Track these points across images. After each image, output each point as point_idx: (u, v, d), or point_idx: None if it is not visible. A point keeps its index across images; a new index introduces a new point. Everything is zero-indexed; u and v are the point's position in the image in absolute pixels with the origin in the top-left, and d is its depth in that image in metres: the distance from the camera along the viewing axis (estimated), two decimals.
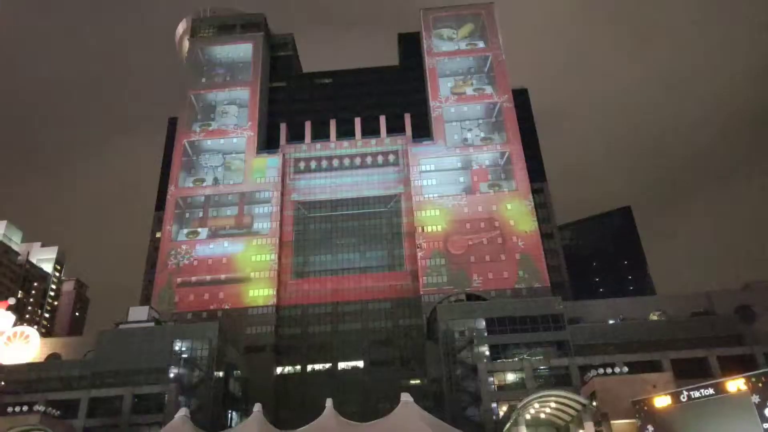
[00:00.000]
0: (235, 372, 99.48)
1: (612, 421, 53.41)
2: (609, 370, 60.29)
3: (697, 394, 45.18)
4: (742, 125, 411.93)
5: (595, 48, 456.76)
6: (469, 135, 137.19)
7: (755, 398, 41.33)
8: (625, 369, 60.53)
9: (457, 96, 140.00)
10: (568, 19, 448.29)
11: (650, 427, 47.52)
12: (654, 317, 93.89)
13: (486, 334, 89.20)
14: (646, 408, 48.61)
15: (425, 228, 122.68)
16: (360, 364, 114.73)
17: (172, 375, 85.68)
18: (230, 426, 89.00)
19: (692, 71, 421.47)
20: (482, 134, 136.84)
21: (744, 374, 43.71)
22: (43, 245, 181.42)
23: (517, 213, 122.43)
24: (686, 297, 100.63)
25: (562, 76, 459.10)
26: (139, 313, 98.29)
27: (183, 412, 66.67)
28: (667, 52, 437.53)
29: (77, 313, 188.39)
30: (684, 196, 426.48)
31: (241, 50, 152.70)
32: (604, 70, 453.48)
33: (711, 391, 44.40)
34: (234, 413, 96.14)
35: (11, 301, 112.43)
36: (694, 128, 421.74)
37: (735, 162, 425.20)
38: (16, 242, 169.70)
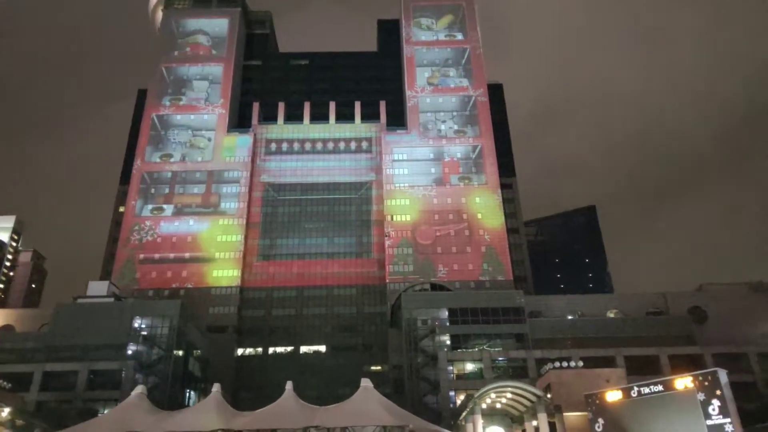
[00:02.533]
0: (195, 351, 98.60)
1: (565, 413, 54.93)
2: (565, 364, 61.82)
3: (647, 390, 46.82)
4: (733, 127, 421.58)
5: (594, 45, 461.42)
6: (443, 126, 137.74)
7: (701, 396, 43.13)
8: (581, 363, 62.25)
9: (433, 87, 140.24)
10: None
11: (601, 420, 49.07)
12: (611, 314, 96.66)
13: (448, 323, 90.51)
14: (598, 402, 50.14)
15: (394, 217, 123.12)
16: (322, 348, 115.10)
17: (130, 352, 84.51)
18: (188, 405, 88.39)
19: (689, 73, 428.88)
20: (456, 126, 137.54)
21: (692, 373, 45.51)
22: None
23: (486, 207, 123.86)
24: (643, 296, 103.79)
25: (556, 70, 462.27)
26: (98, 288, 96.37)
27: (140, 389, 65.66)
28: (666, 54, 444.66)
29: (33, 285, 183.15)
30: (652, 199, 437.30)
31: (216, 25, 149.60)
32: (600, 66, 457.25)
33: (660, 387, 46.08)
34: (192, 393, 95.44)
35: None
36: (679, 131, 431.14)
37: (707, 165, 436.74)
38: None
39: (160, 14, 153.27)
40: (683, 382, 44.68)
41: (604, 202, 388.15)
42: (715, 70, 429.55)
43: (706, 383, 43.24)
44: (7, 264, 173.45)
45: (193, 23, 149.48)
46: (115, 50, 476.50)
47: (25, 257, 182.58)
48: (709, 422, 42.04)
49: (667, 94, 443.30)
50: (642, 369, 69.33)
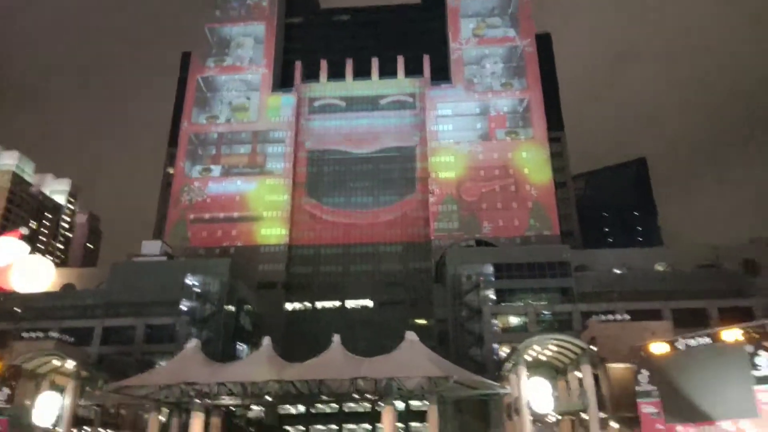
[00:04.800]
0: (245, 307, 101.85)
1: (609, 365, 54.43)
2: (610, 317, 60.93)
3: (693, 342, 45.62)
4: None
5: None
6: (489, 79, 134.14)
7: (749, 348, 41.90)
8: (627, 317, 61.11)
9: (479, 38, 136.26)
10: None
11: (645, 372, 48.31)
12: (659, 268, 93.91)
13: (493, 279, 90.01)
14: (643, 354, 49.28)
15: (439, 174, 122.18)
16: (369, 303, 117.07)
17: (183, 308, 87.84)
18: (240, 358, 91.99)
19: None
20: (502, 79, 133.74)
21: (741, 324, 44.15)
22: (56, 177, 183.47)
23: (533, 161, 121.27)
24: (693, 249, 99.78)
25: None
26: (152, 247, 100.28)
27: (194, 342, 68.46)
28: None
29: (90, 246, 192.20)
30: (706, 153, 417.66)
31: None
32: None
33: (707, 339, 44.79)
34: (244, 346, 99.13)
35: (24, 230, 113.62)
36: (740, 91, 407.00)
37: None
38: (29, 173, 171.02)
39: None
40: (731, 333, 43.34)
41: (656, 155, 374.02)
42: None
43: (755, 335, 41.97)
44: (65, 225, 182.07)
45: None
46: (159, 14, 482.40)
47: (82, 218, 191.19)
48: (756, 373, 40.97)
49: (739, 44, 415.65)
50: (690, 322, 66.99)
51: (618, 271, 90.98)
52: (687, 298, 77.40)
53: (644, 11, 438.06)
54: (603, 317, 60.99)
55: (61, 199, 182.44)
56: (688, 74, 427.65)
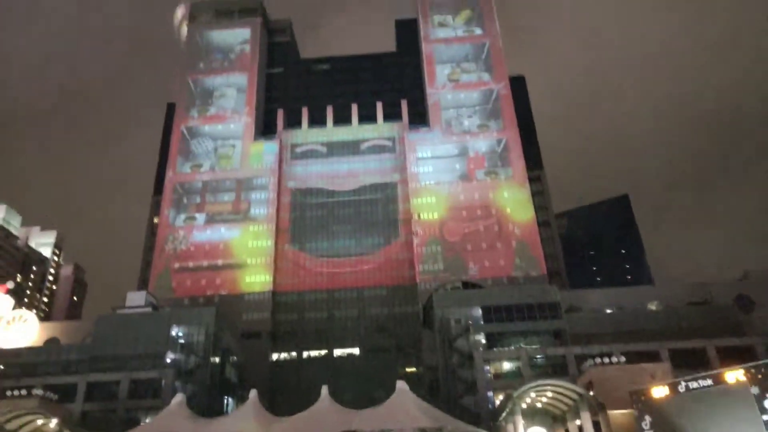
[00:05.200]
0: (231, 358, 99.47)
1: (609, 411, 53.61)
2: (606, 360, 60.39)
3: (695, 384, 45.20)
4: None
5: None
6: (466, 122, 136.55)
7: (754, 389, 41.36)
8: (623, 359, 60.68)
9: (454, 83, 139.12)
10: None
11: (648, 418, 47.68)
12: (652, 307, 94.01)
13: (482, 322, 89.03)
14: (643, 398, 48.70)
15: (421, 215, 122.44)
16: (356, 351, 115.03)
17: (169, 360, 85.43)
18: (226, 412, 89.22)
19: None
20: (479, 121, 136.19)
21: (743, 365, 43.76)
22: (42, 229, 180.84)
23: (514, 200, 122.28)
24: (684, 286, 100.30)
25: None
26: (136, 299, 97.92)
27: (179, 398, 66.62)
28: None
29: (75, 298, 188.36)
30: (690, 186, 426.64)
31: (239, 35, 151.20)
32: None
33: (709, 381, 44.45)
34: (230, 399, 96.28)
35: (10, 285, 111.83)
36: (701, 120, 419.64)
37: (748, 144, 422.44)
38: (15, 226, 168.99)
39: (185, 29, 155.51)
40: (734, 375, 43.01)
41: (639, 190, 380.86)
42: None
43: (760, 376, 41.53)
44: (50, 278, 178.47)
45: (217, 35, 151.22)
46: (144, 66, 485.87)
47: (67, 270, 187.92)
48: (765, 417, 40.24)
49: (712, 61, 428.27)
50: (688, 362, 66.96)
51: (610, 311, 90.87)
52: (683, 337, 77.25)
53: (613, 46, 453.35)
54: (599, 360, 60.43)
55: (46, 251, 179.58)
56: (663, 104, 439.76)
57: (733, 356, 65.08)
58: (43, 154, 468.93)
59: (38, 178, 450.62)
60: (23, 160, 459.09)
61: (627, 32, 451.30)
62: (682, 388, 46.11)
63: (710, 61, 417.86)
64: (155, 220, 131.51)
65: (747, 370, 42.54)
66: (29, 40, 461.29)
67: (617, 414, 52.79)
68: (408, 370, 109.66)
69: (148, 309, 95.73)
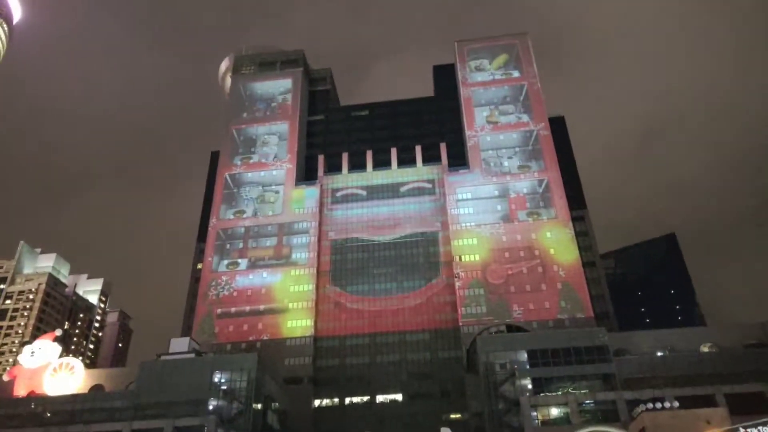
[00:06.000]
0: (273, 404, 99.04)
1: None
2: (659, 405, 57.70)
3: (754, 430, 42.69)
4: None
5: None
6: (506, 163, 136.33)
7: None
8: (676, 404, 57.89)
9: (493, 125, 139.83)
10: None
11: None
12: (705, 349, 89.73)
13: (528, 366, 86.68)
14: None
15: (463, 257, 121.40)
16: (399, 396, 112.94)
17: (211, 407, 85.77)
18: None
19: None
20: (519, 162, 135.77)
21: None
22: (89, 277, 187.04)
23: (557, 241, 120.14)
24: (739, 327, 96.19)
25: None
26: (180, 345, 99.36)
27: None
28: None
29: (120, 344, 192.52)
30: (738, 224, 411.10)
31: (280, 86, 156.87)
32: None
33: None
34: None
35: (58, 332, 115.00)
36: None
37: None
38: (64, 274, 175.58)
39: (229, 80, 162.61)
40: None
41: (686, 228, 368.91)
42: None
43: None
44: (96, 325, 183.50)
45: (259, 86, 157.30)
46: (189, 118, 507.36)
47: (113, 317, 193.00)
48: None
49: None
50: (746, 407, 63.13)
51: (661, 354, 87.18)
52: (739, 381, 73.26)
53: (662, 84, 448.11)
54: (651, 405, 57.75)
55: (93, 298, 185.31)
56: (712, 140, 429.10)
57: None
58: (94, 204, 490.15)
59: (86, 228, 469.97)
60: (72, 211, 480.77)
61: (674, 71, 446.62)
62: None
63: (762, 94, 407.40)
64: (199, 267, 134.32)
65: None
66: (83, 99, 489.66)
67: None
68: (452, 416, 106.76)
69: (192, 355, 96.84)
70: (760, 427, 42.39)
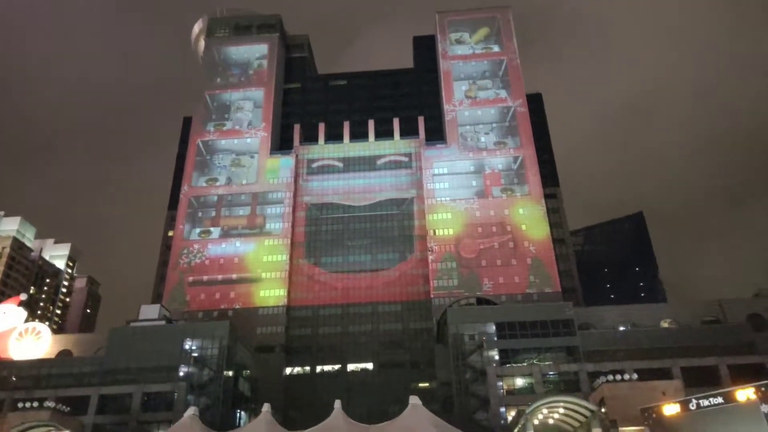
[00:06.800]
0: (244, 372, 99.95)
1: (620, 428, 53.15)
2: (618, 377, 59.92)
3: (706, 402, 44.77)
4: None
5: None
6: (482, 138, 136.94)
7: (765, 408, 40.98)
8: (635, 376, 60.15)
9: (471, 100, 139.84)
10: None
11: None
12: (665, 324, 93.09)
13: (496, 338, 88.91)
14: (654, 416, 48.27)
15: (437, 231, 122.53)
16: (369, 366, 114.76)
17: (181, 374, 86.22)
18: (239, 425, 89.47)
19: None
20: (496, 138, 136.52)
21: (754, 383, 43.29)
22: (56, 242, 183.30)
23: (529, 218, 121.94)
24: (697, 305, 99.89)
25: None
26: (150, 312, 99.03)
27: (192, 411, 67.15)
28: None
29: (89, 311, 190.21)
30: (702, 205, 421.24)
31: (256, 51, 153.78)
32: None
33: (720, 399, 44.00)
34: (243, 413, 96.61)
35: (23, 296, 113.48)
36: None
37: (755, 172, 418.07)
38: (29, 238, 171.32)
39: (202, 44, 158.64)
40: (745, 393, 42.58)
41: (656, 208, 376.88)
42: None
43: None
44: (64, 290, 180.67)
45: (234, 51, 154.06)
46: (163, 81, 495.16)
47: (81, 283, 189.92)
48: None
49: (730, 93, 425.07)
50: (700, 380, 66.32)
51: (623, 329, 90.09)
52: (695, 356, 76.53)
53: (636, 64, 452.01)
54: (611, 377, 59.96)
55: (60, 263, 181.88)
56: (686, 121, 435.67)
57: (745, 374, 64.36)
58: (61, 168, 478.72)
59: (55, 194, 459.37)
60: (39, 176, 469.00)
61: (648, 51, 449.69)
62: (693, 405, 45.65)
63: (734, 77, 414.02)
64: (170, 234, 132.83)
65: (757, 389, 42.11)
66: (53, 62, 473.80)
67: (629, 431, 52.29)
68: (421, 385, 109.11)
69: (162, 322, 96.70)
70: (711, 399, 44.53)
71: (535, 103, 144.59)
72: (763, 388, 41.93)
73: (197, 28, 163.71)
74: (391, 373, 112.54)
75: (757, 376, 56.95)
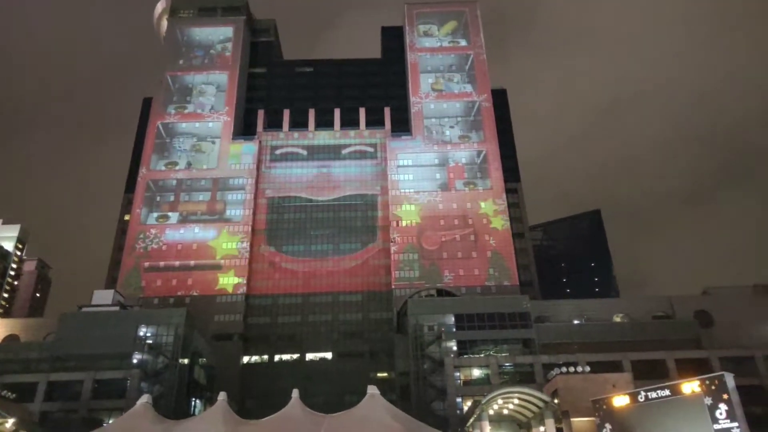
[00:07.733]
0: (200, 360, 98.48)
1: (572, 419, 54.52)
2: (572, 369, 61.43)
3: (654, 394, 46.45)
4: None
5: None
6: (447, 132, 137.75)
7: (708, 400, 42.78)
8: (588, 368, 61.81)
9: (437, 93, 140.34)
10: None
11: (608, 426, 48.71)
12: (617, 319, 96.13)
13: (454, 329, 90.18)
14: (605, 407, 49.76)
15: (400, 222, 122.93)
16: (328, 355, 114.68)
17: (135, 361, 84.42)
18: (194, 414, 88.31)
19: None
20: (460, 132, 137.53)
21: (699, 377, 45.09)
22: (4, 222, 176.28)
23: (491, 211, 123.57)
24: (649, 300, 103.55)
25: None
26: (103, 297, 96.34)
27: (145, 398, 65.49)
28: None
29: (38, 295, 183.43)
30: (658, 204, 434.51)
31: (221, 33, 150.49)
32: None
33: (667, 392, 45.73)
34: (198, 401, 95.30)
35: None
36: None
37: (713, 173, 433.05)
38: None
39: (165, 24, 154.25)
40: (690, 386, 44.38)
41: (613, 206, 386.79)
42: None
43: (713, 387, 42.95)
44: (12, 273, 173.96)
45: (198, 32, 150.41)
46: (123, 61, 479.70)
47: (30, 266, 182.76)
48: (716, 426, 41.72)
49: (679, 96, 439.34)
50: (649, 373, 68.86)
51: (577, 322, 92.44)
52: (645, 349, 79.23)
53: (602, 64, 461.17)
54: (565, 369, 61.42)
55: (9, 245, 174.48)
56: (645, 122, 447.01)
57: (691, 368, 67.02)
58: (10, 146, 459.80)
59: (4, 174, 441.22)
60: None
61: (619, 53, 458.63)
62: (641, 397, 47.24)
63: (692, 80, 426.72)
64: (126, 218, 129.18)
65: (702, 382, 43.90)
66: (12, 39, 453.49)
67: (580, 421, 53.73)
68: (380, 375, 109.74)
69: (116, 308, 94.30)
70: (658, 391, 46.19)
71: (499, 98, 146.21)
72: (706, 382, 43.74)
73: (160, 7, 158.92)
74: (350, 362, 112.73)
75: (702, 370, 59.42)
